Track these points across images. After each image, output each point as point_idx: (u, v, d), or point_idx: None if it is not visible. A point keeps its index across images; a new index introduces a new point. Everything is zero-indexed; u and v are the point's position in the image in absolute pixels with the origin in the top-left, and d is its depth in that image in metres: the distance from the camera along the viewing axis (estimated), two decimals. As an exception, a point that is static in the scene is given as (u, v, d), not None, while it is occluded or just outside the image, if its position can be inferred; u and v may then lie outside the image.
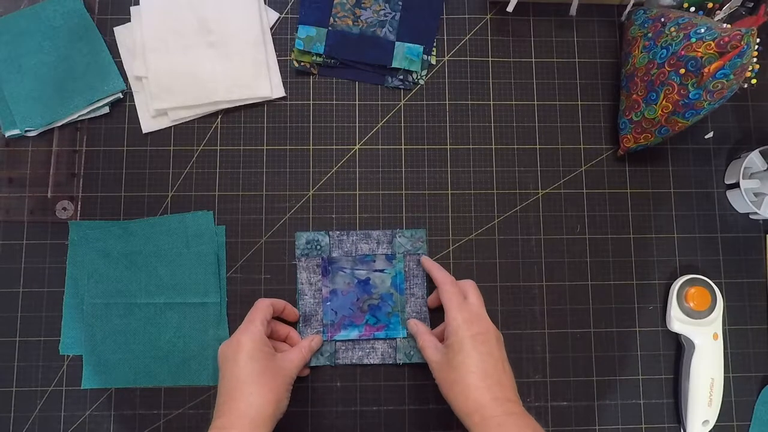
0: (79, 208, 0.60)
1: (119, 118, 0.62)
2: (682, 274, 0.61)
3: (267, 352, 0.52)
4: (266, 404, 0.49)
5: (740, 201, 0.61)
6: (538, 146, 0.63)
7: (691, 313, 0.59)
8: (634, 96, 0.59)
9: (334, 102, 0.63)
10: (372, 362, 0.59)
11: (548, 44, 0.65)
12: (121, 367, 0.58)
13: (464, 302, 0.54)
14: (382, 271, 0.60)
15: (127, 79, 0.62)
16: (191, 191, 0.61)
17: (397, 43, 0.63)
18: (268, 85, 0.62)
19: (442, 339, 0.55)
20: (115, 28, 0.63)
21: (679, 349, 0.61)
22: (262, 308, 0.54)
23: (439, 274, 0.57)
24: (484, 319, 0.53)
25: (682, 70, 0.53)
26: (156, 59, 0.61)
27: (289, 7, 0.64)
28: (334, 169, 0.62)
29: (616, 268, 0.62)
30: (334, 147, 0.62)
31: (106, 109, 0.62)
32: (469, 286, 0.56)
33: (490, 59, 0.65)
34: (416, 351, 0.58)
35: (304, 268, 0.60)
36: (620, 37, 0.65)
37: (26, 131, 0.61)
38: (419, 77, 0.63)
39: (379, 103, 0.63)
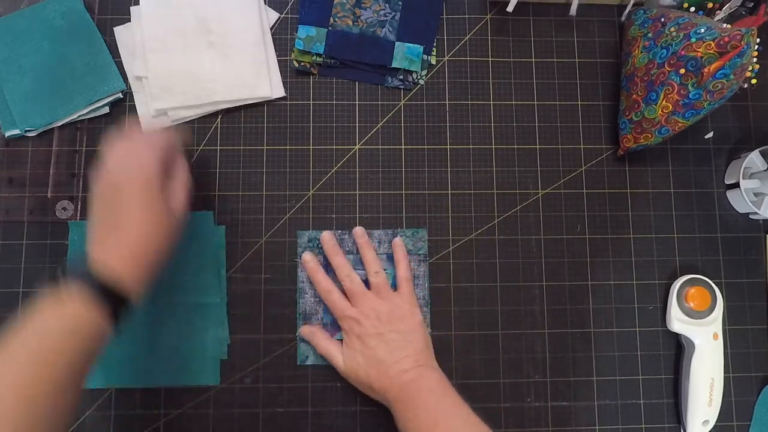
0: (79, 208, 0.60)
1: (119, 118, 0.62)
2: (682, 274, 0.61)
3: (158, 188, 0.48)
4: (150, 241, 0.47)
5: (740, 201, 0.61)
6: (538, 146, 0.63)
7: (691, 313, 0.59)
8: (634, 96, 0.59)
9: (334, 102, 0.63)
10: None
11: (548, 44, 0.65)
12: (121, 367, 0.58)
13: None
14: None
15: (127, 79, 0.62)
16: (191, 191, 0.61)
17: (397, 43, 0.63)
18: (268, 84, 0.62)
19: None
20: (115, 28, 0.63)
21: (679, 349, 0.61)
22: (159, 142, 0.50)
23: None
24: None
25: (682, 70, 0.53)
26: (156, 59, 0.61)
27: (289, 7, 0.64)
28: (334, 169, 0.62)
29: (616, 268, 0.62)
30: (334, 147, 0.62)
31: (106, 109, 0.62)
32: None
33: (490, 59, 0.65)
34: None
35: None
36: (620, 37, 0.65)
37: (26, 131, 0.61)
38: (419, 77, 0.63)
39: (379, 103, 0.63)
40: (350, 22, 0.63)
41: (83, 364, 0.44)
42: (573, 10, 0.62)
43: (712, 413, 0.58)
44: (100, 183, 0.48)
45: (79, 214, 0.60)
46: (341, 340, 0.58)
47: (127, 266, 0.46)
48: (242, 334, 0.59)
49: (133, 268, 0.46)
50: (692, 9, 0.59)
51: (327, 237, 0.59)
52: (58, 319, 0.43)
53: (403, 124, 0.63)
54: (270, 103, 0.63)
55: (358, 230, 0.59)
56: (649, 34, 0.58)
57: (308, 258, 0.59)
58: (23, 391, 0.40)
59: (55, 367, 0.42)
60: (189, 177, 0.54)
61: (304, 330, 0.58)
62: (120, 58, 0.63)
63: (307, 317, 0.59)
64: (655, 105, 0.56)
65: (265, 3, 0.64)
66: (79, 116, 0.61)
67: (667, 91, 0.55)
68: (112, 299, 0.45)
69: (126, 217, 0.46)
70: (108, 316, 0.45)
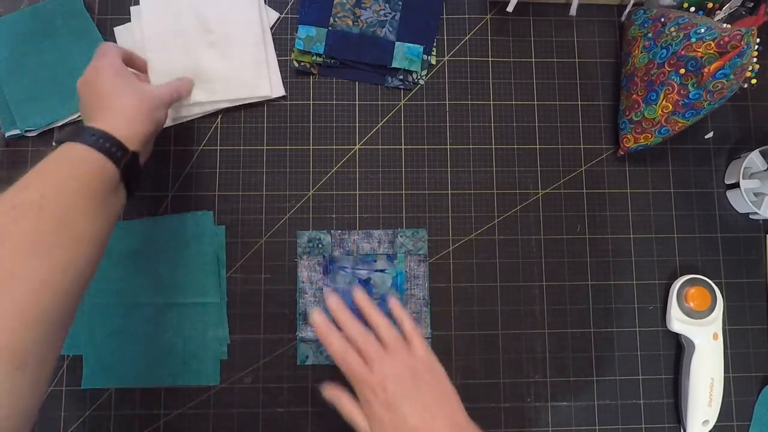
0: (79, 208, 0.60)
1: (119, 118, 0.62)
2: (682, 274, 0.61)
3: (131, 74, 0.51)
4: (139, 110, 0.49)
5: (740, 201, 0.61)
6: (538, 146, 0.63)
7: (691, 313, 0.59)
8: (634, 96, 0.59)
9: (334, 102, 0.63)
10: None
11: (548, 44, 0.65)
12: (121, 367, 0.58)
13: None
14: (382, 271, 0.60)
15: (127, 79, 0.62)
16: (191, 191, 0.61)
17: (397, 43, 0.63)
18: (268, 84, 0.62)
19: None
20: (115, 28, 0.63)
21: (679, 349, 0.61)
22: (113, 46, 0.54)
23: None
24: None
25: (682, 70, 0.53)
26: (156, 59, 0.61)
27: (289, 7, 0.64)
28: (334, 169, 0.62)
29: (616, 268, 0.62)
30: (334, 147, 0.62)
31: (106, 109, 0.62)
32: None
33: (490, 59, 0.65)
34: None
35: (305, 266, 0.60)
36: (620, 37, 0.65)
37: (26, 131, 0.61)
38: (419, 77, 0.63)
39: (379, 103, 0.63)
40: (350, 22, 0.63)
41: (102, 221, 0.45)
42: (573, 10, 0.62)
43: (712, 413, 0.58)
44: (79, 88, 0.51)
45: (79, 214, 0.60)
46: None
47: (123, 128, 0.47)
48: (242, 334, 0.59)
49: (128, 128, 0.47)
50: (692, 9, 0.59)
51: (328, 297, 0.51)
52: (68, 166, 0.44)
53: (403, 124, 0.63)
54: (270, 103, 0.63)
55: (358, 293, 0.52)
56: (649, 34, 0.58)
57: (319, 321, 0.49)
58: (40, 251, 0.39)
59: (76, 224, 0.42)
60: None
61: (328, 391, 0.51)
62: (120, 58, 0.63)
63: (307, 316, 0.59)
64: (655, 105, 0.56)
65: (265, 3, 0.64)
66: (79, 116, 0.61)
67: (667, 91, 0.55)
68: (116, 147, 0.46)
69: (108, 98, 0.48)
70: (116, 163, 0.46)
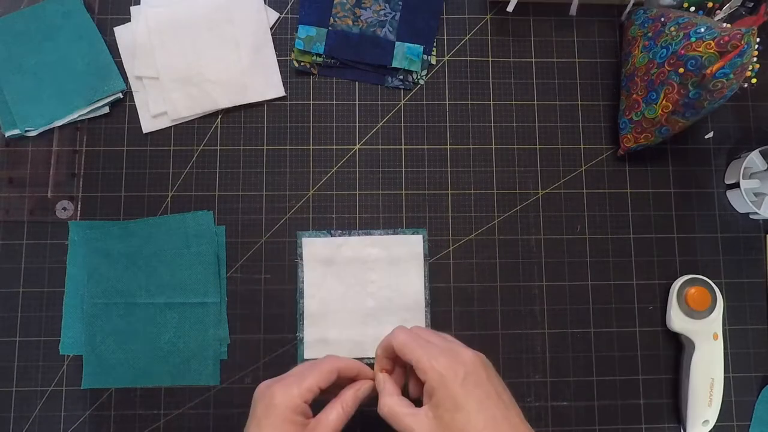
0: (79, 208, 0.60)
1: (119, 118, 0.62)
2: (682, 274, 0.61)
3: (299, 424, 0.43)
4: None
5: (740, 201, 0.61)
6: (538, 146, 0.63)
7: (691, 313, 0.59)
8: (634, 96, 0.59)
9: (334, 102, 0.63)
10: (372, 361, 0.59)
11: (548, 44, 0.65)
12: (121, 367, 0.58)
13: (428, 343, 0.44)
14: (382, 271, 0.60)
15: (127, 79, 0.62)
16: (191, 191, 0.61)
17: (397, 43, 0.63)
18: (268, 84, 0.62)
19: (405, 394, 0.46)
20: (115, 28, 0.63)
21: (679, 349, 0.61)
22: (324, 371, 0.45)
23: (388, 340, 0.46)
24: (461, 351, 0.43)
25: (682, 70, 0.53)
26: (156, 59, 0.61)
27: (289, 7, 0.64)
28: (334, 169, 0.62)
29: (616, 268, 0.62)
30: (334, 147, 0.62)
31: (106, 109, 0.62)
32: (407, 327, 0.47)
33: (490, 59, 0.65)
34: None
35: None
36: (620, 37, 0.65)
37: (26, 131, 0.61)
38: (419, 77, 0.63)
39: (379, 103, 0.63)
40: (350, 22, 0.63)
41: None
42: (573, 10, 0.62)
43: (712, 413, 0.58)
44: (256, 392, 0.46)
45: (79, 214, 0.60)
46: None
47: None
48: (242, 334, 0.59)
49: None
50: (692, 9, 0.59)
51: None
52: None
53: (403, 124, 0.63)
54: (270, 103, 0.63)
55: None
56: (649, 34, 0.58)
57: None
58: None
59: None
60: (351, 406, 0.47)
61: (378, 378, 0.47)
62: (120, 58, 0.63)
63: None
64: (655, 105, 0.56)
65: (265, 3, 0.64)
66: (79, 116, 0.61)
67: (667, 91, 0.55)
68: None
69: None
70: None
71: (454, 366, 0.41)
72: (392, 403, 0.43)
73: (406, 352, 0.44)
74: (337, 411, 0.44)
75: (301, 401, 0.43)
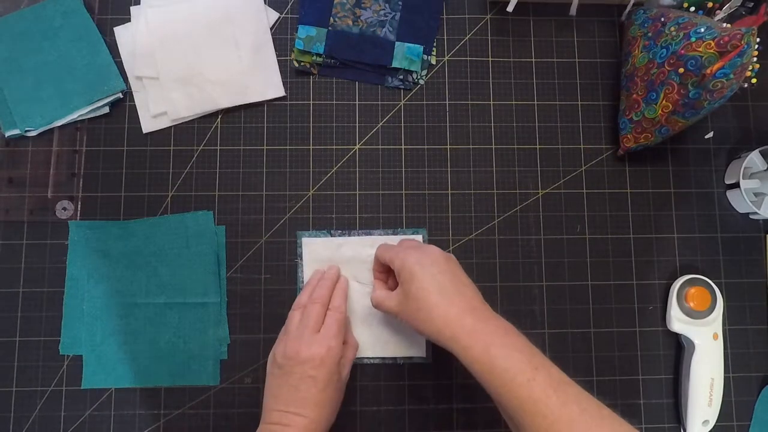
0: (79, 208, 0.60)
1: (119, 118, 0.62)
2: (682, 274, 0.61)
3: (338, 371, 0.52)
4: (326, 423, 0.51)
5: (740, 201, 0.61)
6: (538, 146, 0.63)
7: (691, 313, 0.59)
8: (634, 96, 0.59)
9: (334, 102, 0.63)
10: (372, 362, 0.59)
11: (548, 44, 0.65)
12: (121, 367, 0.58)
13: (404, 248, 0.54)
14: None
15: (127, 79, 0.62)
16: (191, 191, 0.61)
17: (397, 43, 0.63)
18: (268, 84, 0.62)
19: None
20: (115, 28, 0.63)
21: (679, 349, 0.61)
22: (344, 324, 0.54)
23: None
24: (430, 248, 0.52)
25: (682, 70, 0.53)
26: (162, 61, 0.61)
27: (289, 7, 0.64)
28: (334, 169, 0.62)
29: (616, 268, 0.62)
30: (334, 147, 0.62)
31: (106, 109, 0.62)
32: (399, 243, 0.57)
33: (490, 59, 0.65)
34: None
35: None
36: (620, 37, 0.65)
37: (26, 131, 0.61)
38: (419, 77, 0.63)
39: (379, 103, 0.63)
40: (350, 22, 0.63)
41: None
42: (573, 10, 0.62)
43: (712, 413, 0.58)
44: (270, 363, 0.53)
45: (79, 214, 0.60)
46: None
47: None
48: (242, 334, 0.59)
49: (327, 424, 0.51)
50: (692, 9, 0.59)
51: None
52: None
53: (403, 124, 0.63)
54: (270, 103, 0.63)
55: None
56: (649, 34, 0.58)
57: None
58: None
59: None
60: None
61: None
62: (120, 58, 0.63)
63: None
64: (655, 105, 0.56)
65: (265, 3, 0.64)
66: (79, 116, 0.61)
67: (667, 91, 0.55)
68: None
69: (308, 407, 0.49)
70: None
71: (420, 256, 0.51)
72: (376, 295, 0.54)
73: (384, 258, 0.54)
74: (351, 352, 0.55)
75: (339, 353, 0.52)
